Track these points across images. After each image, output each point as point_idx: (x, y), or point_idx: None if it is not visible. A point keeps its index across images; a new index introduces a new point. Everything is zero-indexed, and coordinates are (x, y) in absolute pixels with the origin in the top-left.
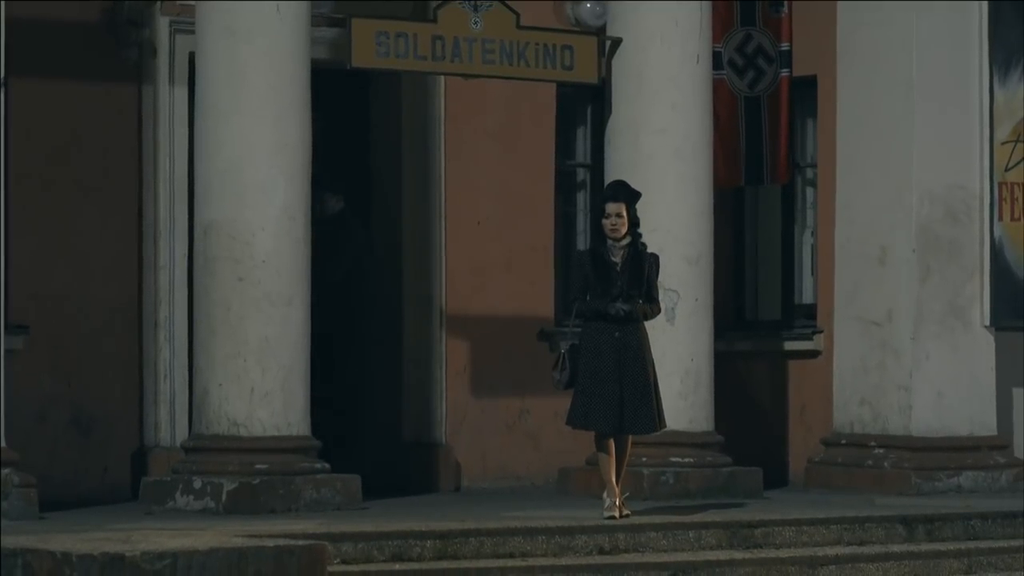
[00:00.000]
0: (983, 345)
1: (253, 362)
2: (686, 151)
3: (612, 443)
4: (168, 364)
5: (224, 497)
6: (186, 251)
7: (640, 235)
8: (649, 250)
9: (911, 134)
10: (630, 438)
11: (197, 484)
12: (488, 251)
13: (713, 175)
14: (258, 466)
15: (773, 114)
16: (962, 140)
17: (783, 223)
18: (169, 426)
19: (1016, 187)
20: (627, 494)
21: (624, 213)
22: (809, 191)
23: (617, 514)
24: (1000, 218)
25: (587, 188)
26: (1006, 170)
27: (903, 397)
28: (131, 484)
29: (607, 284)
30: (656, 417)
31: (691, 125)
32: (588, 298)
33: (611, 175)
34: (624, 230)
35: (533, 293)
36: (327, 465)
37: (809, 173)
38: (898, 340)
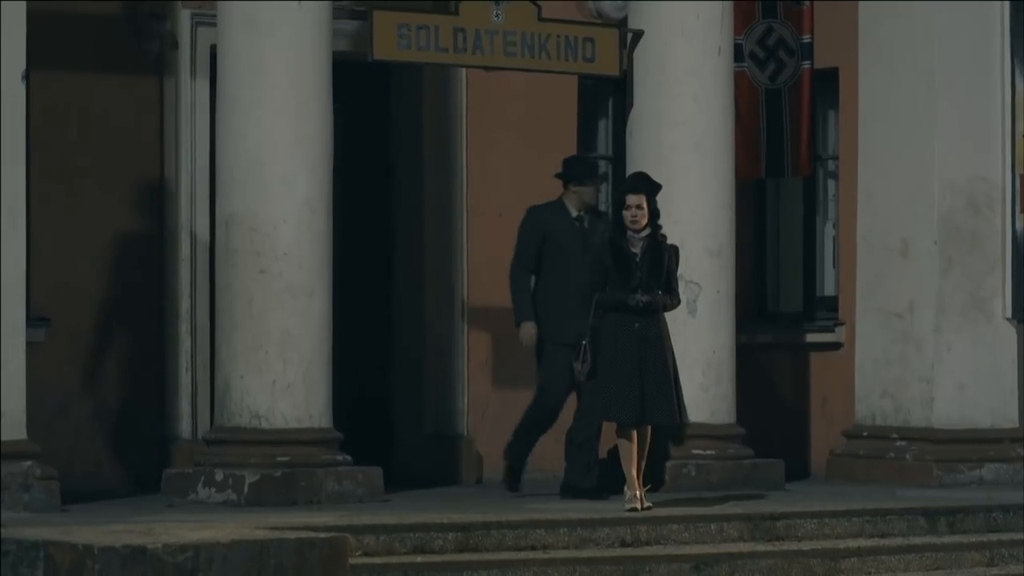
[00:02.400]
0: (1005, 337)
1: (275, 354)
2: (707, 144)
3: (634, 435)
4: (190, 356)
5: (246, 489)
6: (208, 244)
7: (660, 227)
8: (669, 242)
9: (933, 126)
10: (651, 430)
11: (219, 476)
12: (510, 243)
13: (734, 167)
14: (280, 458)
15: (794, 106)
16: (984, 132)
17: (805, 215)
18: (191, 418)
19: None
20: (649, 486)
21: (645, 205)
22: (831, 183)
23: (639, 506)
24: (1022, 210)
25: (609, 180)
26: None
27: (925, 389)
28: (153, 476)
29: (627, 275)
30: (677, 408)
31: (712, 117)
32: (607, 289)
33: (633, 167)
34: (644, 221)
35: None
36: (349, 457)
37: (831, 165)
38: (920, 332)
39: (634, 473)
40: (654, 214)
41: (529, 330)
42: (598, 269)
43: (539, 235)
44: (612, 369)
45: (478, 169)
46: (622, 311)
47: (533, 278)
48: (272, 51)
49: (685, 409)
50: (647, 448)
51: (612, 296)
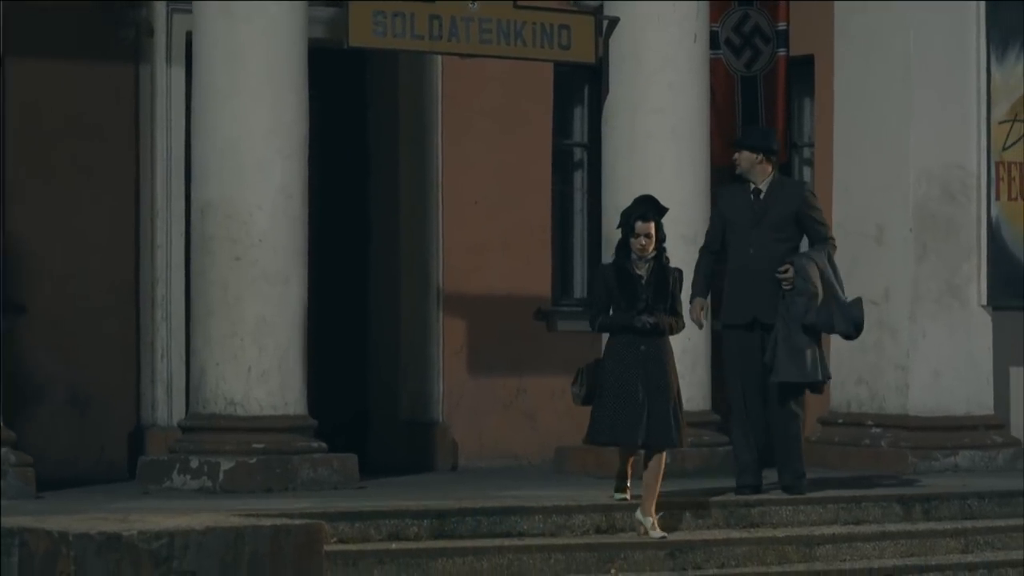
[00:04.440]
0: (980, 324)
1: (250, 341)
2: (683, 131)
3: (638, 456)
4: (165, 343)
5: (221, 476)
6: (183, 230)
7: (664, 249)
8: (673, 264)
9: (908, 113)
10: (664, 455)
11: (194, 463)
12: (485, 230)
13: (710, 155)
14: (255, 445)
15: (770, 94)
16: (959, 119)
17: None
18: (166, 405)
19: (1013, 166)
20: (662, 513)
21: (653, 232)
22: (806, 170)
23: (653, 534)
24: (997, 197)
25: (584, 167)
26: (1003, 149)
27: (900, 376)
28: (128, 463)
29: (632, 298)
30: (677, 432)
31: (688, 105)
32: (612, 312)
33: (608, 154)
34: (652, 248)
35: (530, 272)
36: (324, 444)
37: (806, 153)
38: (895, 319)
39: (628, 469)
40: (660, 238)
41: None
42: (600, 292)
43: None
44: (617, 391)
45: (454, 156)
46: (628, 333)
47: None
48: (248, 38)
49: (685, 434)
50: (661, 473)
51: (617, 319)
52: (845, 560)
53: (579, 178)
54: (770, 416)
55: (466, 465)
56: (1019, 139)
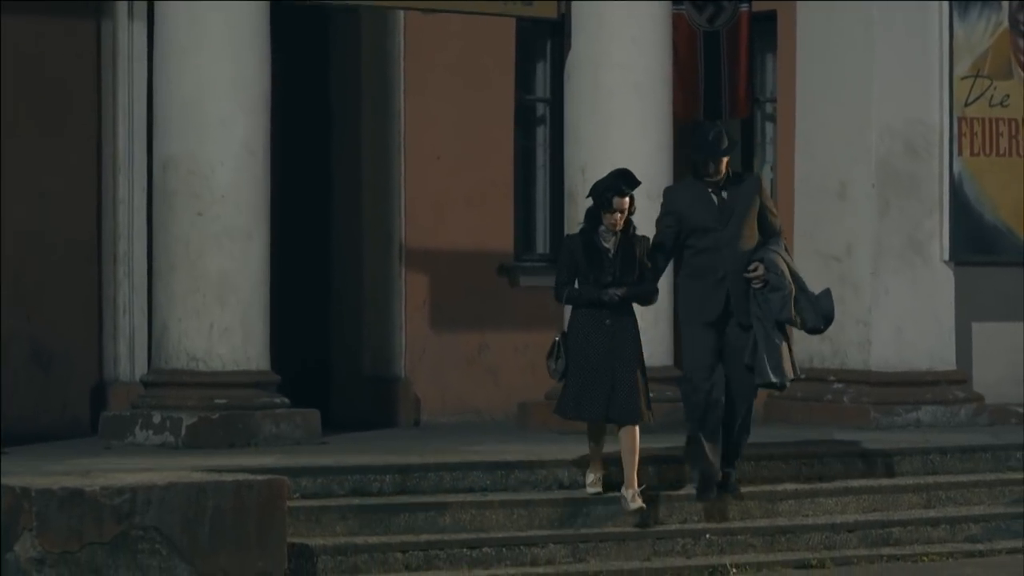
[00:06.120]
0: (942, 280)
1: (212, 297)
2: (646, 86)
3: (603, 429)
4: (127, 299)
5: (183, 432)
6: (145, 186)
7: (631, 221)
8: (639, 232)
9: (871, 69)
10: (637, 429)
11: (156, 419)
12: (448, 186)
13: (672, 110)
14: (217, 401)
15: (732, 49)
16: (921, 75)
17: (743, 158)
18: (129, 361)
19: (976, 122)
20: (643, 485)
21: (627, 207)
22: (768, 126)
23: (600, 489)
24: (960, 153)
25: (547, 122)
26: (966, 105)
27: (862, 332)
28: (91, 419)
29: (599, 271)
30: (645, 406)
31: (650, 60)
32: (578, 285)
33: (571, 109)
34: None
35: (493, 228)
36: (287, 400)
37: (768, 108)
38: (857, 275)
39: (600, 460)
40: (631, 211)
41: None
42: (567, 263)
43: None
44: (582, 366)
45: (416, 112)
46: (594, 307)
47: None
48: None
49: (650, 406)
50: (637, 447)
51: (584, 293)
52: (807, 516)
53: (541, 133)
54: (732, 412)
55: (429, 421)
56: (981, 95)
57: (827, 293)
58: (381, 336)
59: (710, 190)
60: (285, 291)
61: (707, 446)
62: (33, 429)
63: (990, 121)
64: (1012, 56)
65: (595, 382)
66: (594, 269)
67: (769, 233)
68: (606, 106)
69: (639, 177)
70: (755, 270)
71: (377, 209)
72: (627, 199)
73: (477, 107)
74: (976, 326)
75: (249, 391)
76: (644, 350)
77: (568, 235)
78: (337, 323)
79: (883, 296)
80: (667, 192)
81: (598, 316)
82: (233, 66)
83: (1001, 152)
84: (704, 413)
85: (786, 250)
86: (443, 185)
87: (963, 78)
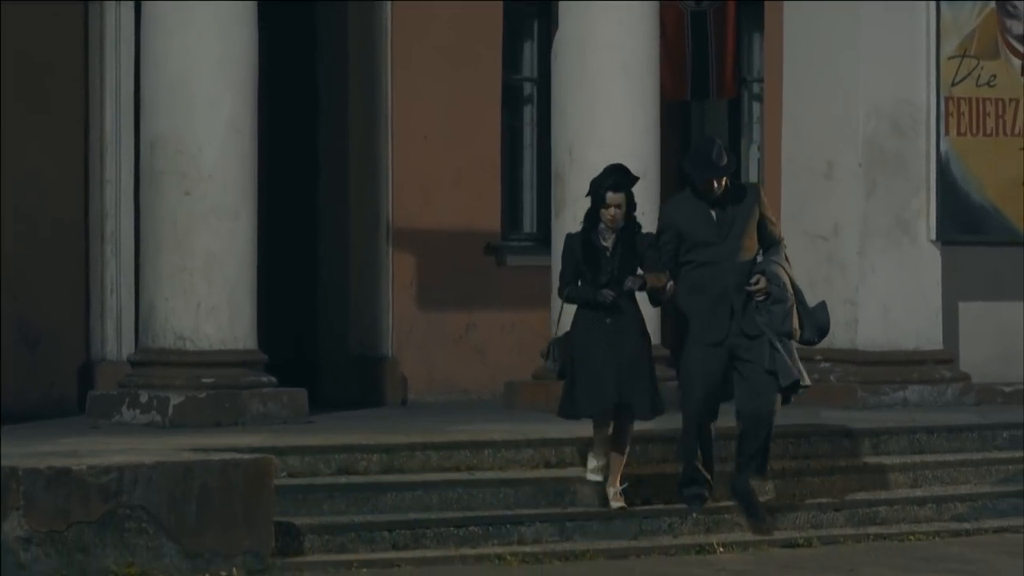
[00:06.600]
0: (929, 259)
1: (199, 276)
2: (633, 66)
3: (611, 428)
4: (115, 278)
5: (170, 411)
6: (133, 166)
7: (634, 218)
8: (644, 231)
9: (857, 49)
10: (632, 426)
11: (143, 398)
12: (435, 165)
13: (660, 90)
14: (204, 380)
15: (719, 29)
16: (908, 55)
17: (729, 138)
18: (116, 340)
19: (963, 102)
20: (625, 484)
21: (623, 203)
22: (755, 106)
23: (612, 505)
24: (947, 133)
25: (534, 102)
26: (952, 85)
27: (849, 311)
28: (78, 398)
29: (596, 271)
30: (653, 401)
31: (638, 40)
32: (579, 284)
33: (558, 90)
34: (623, 217)
35: (480, 207)
36: (274, 379)
37: (755, 88)
38: (844, 254)
39: (605, 444)
40: (631, 207)
41: None
42: (569, 262)
43: None
44: (584, 367)
45: (403, 91)
46: (593, 307)
47: None
48: None
49: (661, 399)
50: (626, 444)
51: (583, 292)
52: (795, 494)
53: (529, 113)
54: (757, 415)
55: (416, 400)
56: (968, 75)
57: (822, 306)
58: (368, 315)
59: (710, 205)
60: (272, 270)
61: (695, 466)
62: (20, 408)
63: (977, 101)
64: (999, 36)
65: (597, 382)
66: (591, 268)
67: (769, 243)
68: (593, 86)
69: (633, 171)
70: (757, 283)
71: (364, 188)
72: (621, 195)
73: (464, 87)
74: (963, 305)
75: (236, 370)
76: None
77: (569, 234)
78: (324, 302)
79: (870, 275)
80: (664, 207)
81: (598, 316)
82: (220, 45)
83: (988, 132)
84: (699, 430)
85: (786, 259)
86: (430, 165)
87: (950, 58)
